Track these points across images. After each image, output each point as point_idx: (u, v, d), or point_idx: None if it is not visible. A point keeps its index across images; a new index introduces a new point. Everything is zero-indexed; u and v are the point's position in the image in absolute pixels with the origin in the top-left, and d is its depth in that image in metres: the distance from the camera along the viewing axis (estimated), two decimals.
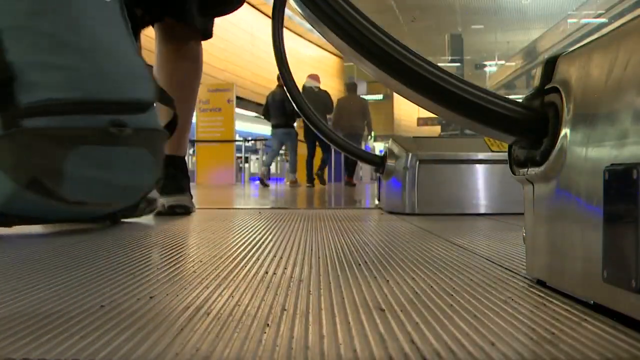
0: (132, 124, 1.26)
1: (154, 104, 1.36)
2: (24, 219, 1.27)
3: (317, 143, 8.42)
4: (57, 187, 1.17)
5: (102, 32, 1.26)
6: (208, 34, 2.07)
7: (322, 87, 8.86)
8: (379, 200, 2.37)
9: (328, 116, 8.46)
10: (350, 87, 9.40)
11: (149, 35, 2.01)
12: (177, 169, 1.99)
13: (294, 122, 8.54)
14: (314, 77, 8.79)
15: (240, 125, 14.77)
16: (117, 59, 1.27)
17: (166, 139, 1.47)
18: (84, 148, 1.18)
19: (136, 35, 1.56)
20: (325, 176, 9.35)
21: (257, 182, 9.41)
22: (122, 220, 1.56)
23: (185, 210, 1.94)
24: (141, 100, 1.30)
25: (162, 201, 1.88)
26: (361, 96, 10.04)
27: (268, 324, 0.51)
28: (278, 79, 7.81)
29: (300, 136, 8.74)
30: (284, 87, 1.87)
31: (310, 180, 8.56)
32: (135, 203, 1.46)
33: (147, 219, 1.78)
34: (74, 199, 1.21)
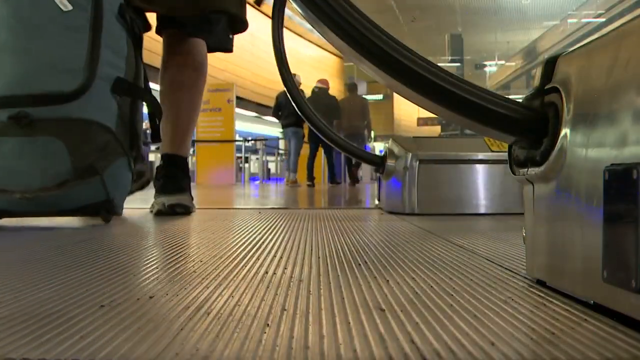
0: (40, 115, 1.35)
1: (82, 95, 1.41)
2: None
3: (319, 145, 8.48)
4: None
5: (36, 41, 1.40)
6: (230, 49, 2.21)
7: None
8: (379, 200, 2.37)
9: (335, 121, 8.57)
10: (351, 88, 9.56)
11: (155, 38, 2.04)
12: (178, 168, 2.01)
13: (304, 122, 8.61)
14: (324, 82, 8.95)
15: (240, 125, 14.77)
16: (39, 61, 1.39)
17: (104, 130, 1.48)
18: None
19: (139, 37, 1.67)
20: (320, 177, 9.42)
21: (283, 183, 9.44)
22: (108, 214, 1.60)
23: (185, 210, 1.95)
24: (53, 93, 1.37)
25: (163, 200, 1.92)
26: (362, 96, 10.15)
27: (268, 324, 0.51)
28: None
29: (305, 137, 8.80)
30: (285, 87, 1.87)
31: (310, 179, 8.61)
32: (105, 199, 1.53)
33: (147, 219, 1.78)
34: None
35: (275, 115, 8.90)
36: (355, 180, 8.87)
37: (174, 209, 1.91)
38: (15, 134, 1.34)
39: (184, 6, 1.90)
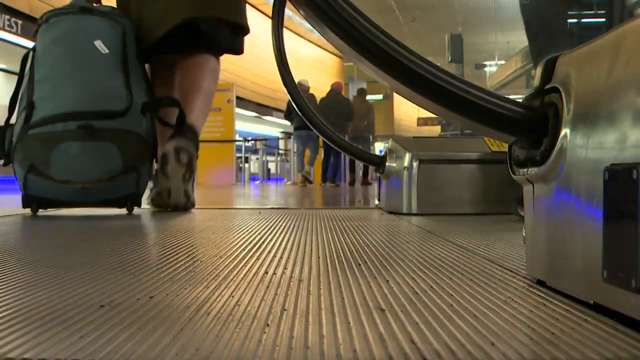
0: (100, 126, 1.85)
1: (127, 114, 1.93)
2: (38, 200, 1.90)
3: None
4: (47, 170, 1.82)
5: (90, 73, 1.95)
6: (240, 51, 2.44)
7: (323, 87, 9.05)
8: (378, 200, 2.37)
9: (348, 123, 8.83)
10: (360, 92, 9.93)
11: None
12: (187, 138, 2.16)
13: None
14: (338, 85, 9.27)
15: (240, 125, 14.77)
16: (96, 88, 1.94)
17: (141, 139, 1.97)
18: (62, 144, 1.82)
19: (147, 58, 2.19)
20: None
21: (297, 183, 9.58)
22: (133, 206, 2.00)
23: (188, 157, 2.05)
24: (109, 111, 1.90)
25: (170, 145, 2.05)
26: (368, 101, 10.52)
27: (268, 324, 0.51)
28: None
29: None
30: (285, 88, 1.87)
31: (324, 179, 8.83)
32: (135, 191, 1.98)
33: (147, 219, 1.79)
34: (60, 179, 1.81)
35: (287, 118, 9.00)
36: (366, 183, 9.09)
37: (179, 154, 1.99)
38: (81, 139, 1.83)
39: (175, 15, 2.08)
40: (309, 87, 9.10)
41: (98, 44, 1.93)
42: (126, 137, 1.90)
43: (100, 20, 1.98)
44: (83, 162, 1.85)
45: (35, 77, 1.92)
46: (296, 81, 1.81)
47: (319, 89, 13.34)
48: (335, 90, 9.10)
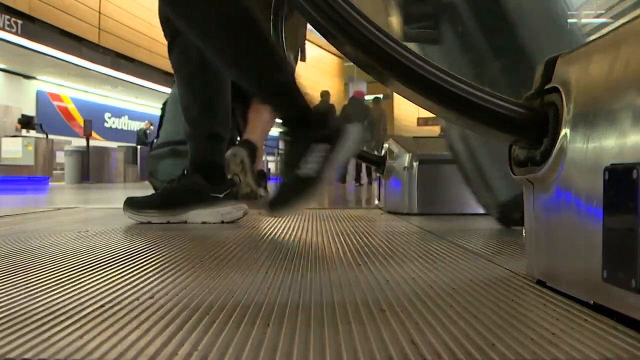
0: (181, 149, 2.23)
1: None
2: None
3: None
4: (156, 175, 2.53)
5: (177, 114, 2.15)
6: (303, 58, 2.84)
7: (323, 87, 9.21)
8: (378, 200, 2.36)
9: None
10: (376, 100, 10.57)
11: None
12: None
13: None
14: (360, 93, 10.12)
15: None
16: (179, 124, 2.03)
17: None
18: (162, 160, 2.53)
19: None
20: None
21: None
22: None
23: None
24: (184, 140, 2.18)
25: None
26: (382, 108, 10.94)
27: (269, 324, 0.51)
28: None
29: None
30: None
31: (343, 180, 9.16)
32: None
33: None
34: (162, 180, 2.37)
35: None
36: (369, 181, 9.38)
37: (234, 156, 2.39)
38: (171, 157, 2.41)
39: None
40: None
41: None
42: None
43: None
44: (172, 171, 2.24)
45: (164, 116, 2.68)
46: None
47: (320, 89, 13.33)
48: (356, 99, 9.44)
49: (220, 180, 1.66)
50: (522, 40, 1.08)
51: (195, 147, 1.75)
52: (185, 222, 1.61)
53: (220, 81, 1.70)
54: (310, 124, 1.39)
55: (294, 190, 1.33)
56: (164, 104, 2.75)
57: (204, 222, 1.61)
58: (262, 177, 2.61)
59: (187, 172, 1.76)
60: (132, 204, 1.66)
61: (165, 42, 1.75)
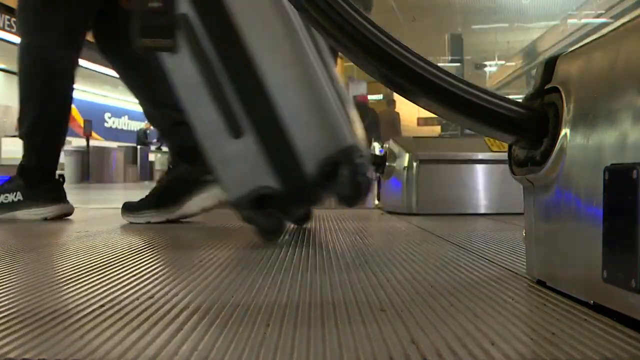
0: None
1: None
2: None
3: None
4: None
5: None
6: None
7: None
8: (378, 200, 2.37)
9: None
10: (389, 102, 10.93)
11: None
12: None
13: None
14: (363, 97, 10.51)
15: None
16: None
17: None
18: None
19: None
20: None
21: None
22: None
23: None
24: None
25: None
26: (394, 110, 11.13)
27: (269, 324, 0.51)
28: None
29: None
30: None
31: None
32: None
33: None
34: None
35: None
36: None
37: None
38: None
39: None
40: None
41: None
42: None
43: None
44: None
45: None
46: None
47: None
48: (360, 102, 9.59)
49: (203, 161, 1.53)
50: (250, 50, 1.14)
51: (171, 140, 1.83)
52: (186, 218, 1.61)
53: (158, 73, 1.55)
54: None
55: None
56: None
57: (204, 210, 1.61)
58: None
59: (171, 165, 1.79)
60: (129, 207, 1.67)
61: None
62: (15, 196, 1.76)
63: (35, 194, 1.76)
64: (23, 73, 1.86)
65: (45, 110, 1.85)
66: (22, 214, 1.73)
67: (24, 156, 1.88)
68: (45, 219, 1.73)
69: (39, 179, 1.81)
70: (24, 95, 1.85)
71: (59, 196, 1.82)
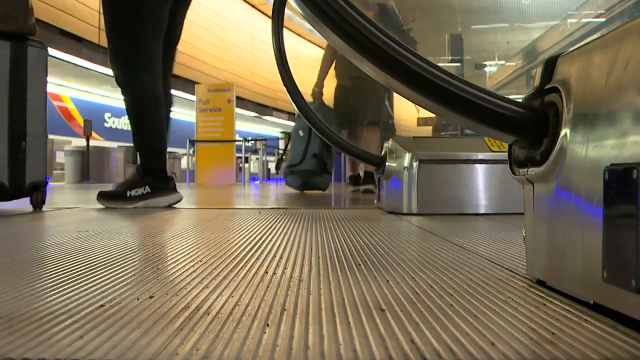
0: (296, 169, 5.03)
1: (303, 161, 5.06)
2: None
3: None
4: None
5: (294, 145, 5.25)
6: None
7: (324, 88, 9.27)
8: (378, 200, 2.37)
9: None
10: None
11: None
12: None
13: None
14: None
15: (240, 125, 14.77)
16: (292, 153, 5.26)
17: (311, 171, 4.95)
18: (288, 177, 5.20)
19: None
20: None
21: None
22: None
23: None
24: (296, 163, 5.07)
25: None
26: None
27: (268, 324, 0.51)
28: None
29: None
30: (285, 87, 1.87)
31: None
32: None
33: (147, 218, 1.78)
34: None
35: None
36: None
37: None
38: (290, 175, 4.83)
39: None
40: None
41: (299, 132, 4.83)
42: (305, 170, 4.67)
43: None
44: (292, 182, 4.64)
45: None
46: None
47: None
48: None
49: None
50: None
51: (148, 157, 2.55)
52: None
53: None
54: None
55: None
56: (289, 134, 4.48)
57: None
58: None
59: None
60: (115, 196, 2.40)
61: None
62: (145, 190, 2.41)
63: (160, 187, 2.44)
64: (141, 103, 2.44)
65: (160, 127, 2.48)
66: (152, 202, 2.40)
67: (145, 161, 2.50)
68: (169, 205, 2.44)
69: (161, 176, 2.47)
70: (143, 119, 2.46)
71: (175, 188, 2.51)
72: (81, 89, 15.03)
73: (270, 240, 1.18)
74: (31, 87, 2.17)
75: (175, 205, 2.49)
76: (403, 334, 0.47)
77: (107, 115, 16.29)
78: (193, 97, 10.30)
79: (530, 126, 0.64)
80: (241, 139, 12.13)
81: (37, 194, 2.24)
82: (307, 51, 18.75)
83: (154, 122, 2.45)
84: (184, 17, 2.66)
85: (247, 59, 15.53)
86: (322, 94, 5.23)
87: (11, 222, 1.66)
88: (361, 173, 4.97)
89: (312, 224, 1.57)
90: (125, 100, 2.44)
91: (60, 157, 11.25)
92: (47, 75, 2.26)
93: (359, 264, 0.86)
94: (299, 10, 0.68)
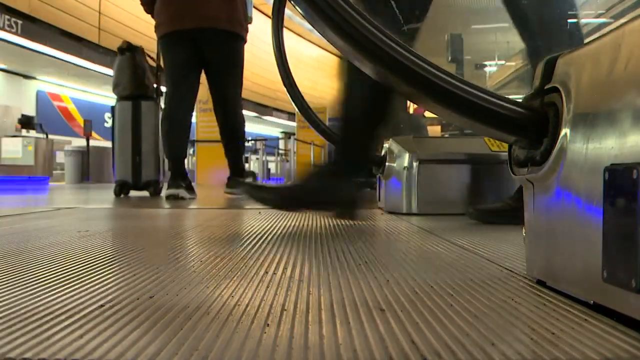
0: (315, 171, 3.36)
1: None
2: None
3: None
4: None
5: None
6: None
7: (323, 87, 9.10)
8: (378, 200, 2.36)
9: None
10: None
11: None
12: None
13: None
14: (419, 110, 10.19)
15: None
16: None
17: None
18: None
19: None
20: None
21: None
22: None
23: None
24: (313, 168, 4.02)
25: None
26: None
27: (268, 324, 0.51)
28: None
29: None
30: (285, 87, 1.87)
31: None
32: None
33: (147, 218, 1.78)
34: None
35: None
36: None
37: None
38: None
39: None
40: None
41: None
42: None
43: None
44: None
45: None
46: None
47: (320, 89, 13.30)
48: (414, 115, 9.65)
49: None
50: None
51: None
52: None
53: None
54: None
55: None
56: None
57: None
58: None
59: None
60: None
61: None
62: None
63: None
64: (173, 127, 3.30)
65: (185, 143, 3.38)
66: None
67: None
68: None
69: (182, 177, 3.23)
70: (174, 138, 3.32)
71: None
72: (81, 89, 15.03)
73: (270, 240, 1.18)
74: (144, 124, 3.86)
75: (175, 206, 2.50)
76: (403, 334, 0.47)
77: (107, 115, 16.27)
78: None
79: (530, 126, 0.64)
80: None
81: (150, 188, 3.74)
82: (307, 51, 18.75)
83: (178, 140, 3.33)
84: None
85: (247, 59, 15.52)
86: None
87: (11, 222, 1.66)
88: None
89: (312, 224, 1.56)
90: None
91: (60, 157, 11.25)
92: (156, 118, 3.79)
93: (359, 264, 0.86)
94: (299, 10, 0.68)
